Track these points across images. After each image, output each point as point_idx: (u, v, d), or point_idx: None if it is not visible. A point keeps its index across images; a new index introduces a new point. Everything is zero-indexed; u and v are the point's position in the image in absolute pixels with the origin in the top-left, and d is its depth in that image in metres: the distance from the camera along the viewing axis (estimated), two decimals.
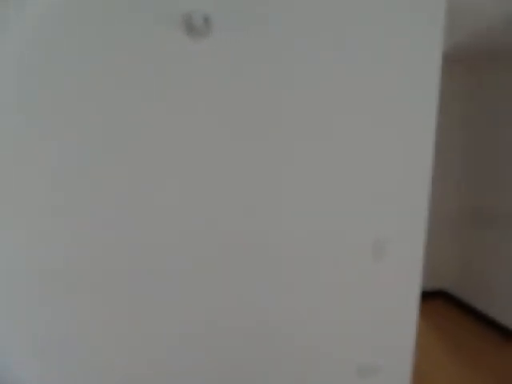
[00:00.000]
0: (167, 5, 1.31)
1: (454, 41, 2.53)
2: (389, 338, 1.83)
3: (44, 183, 1.32)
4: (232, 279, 1.56)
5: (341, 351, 1.78)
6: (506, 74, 2.96)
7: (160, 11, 1.31)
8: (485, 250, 3.21)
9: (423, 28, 1.56)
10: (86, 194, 1.35)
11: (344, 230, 1.65)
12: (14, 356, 1.39)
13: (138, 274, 1.45)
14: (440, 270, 3.61)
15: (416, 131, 1.65)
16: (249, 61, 1.42)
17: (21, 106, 1.26)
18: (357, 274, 1.71)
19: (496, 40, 2.56)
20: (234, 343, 1.62)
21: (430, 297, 3.66)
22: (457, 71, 3.31)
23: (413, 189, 1.70)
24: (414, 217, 1.72)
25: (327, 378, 1.79)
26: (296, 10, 1.43)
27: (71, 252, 1.38)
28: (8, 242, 1.32)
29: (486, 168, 3.20)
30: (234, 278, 1.56)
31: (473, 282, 3.35)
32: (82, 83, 1.29)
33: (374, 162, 1.63)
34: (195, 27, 1.33)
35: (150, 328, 1.51)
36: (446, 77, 3.05)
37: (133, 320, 1.48)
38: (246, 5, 1.37)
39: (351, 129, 1.58)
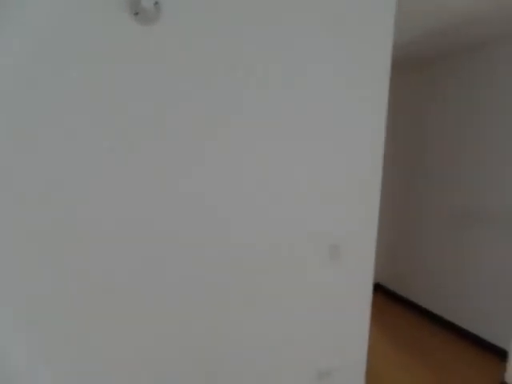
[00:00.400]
0: None
1: None
2: (345, 337, 1.86)
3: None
4: (188, 288, 1.44)
5: (300, 353, 1.76)
6: (430, 76, 3.25)
7: None
8: (414, 245, 3.47)
9: (373, 34, 1.62)
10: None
11: (302, 233, 1.64)
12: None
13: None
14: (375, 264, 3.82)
15: (369, 138, 1.71)
16: (199, 47, 1.33)
17: None
18: (315, 276, 1.70)
19: (419, 45, 2.78)
20: (197, 343, 1.51)
21: None
22: None
23: (367, 193, 1.75)
24: (367, 219, 1.78)
25: (287, 380, 1.75)
26: None
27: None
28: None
29: (413, 167, 3.47)
30: (190, 287, 1.45)
31: (404, 274, 3.60)
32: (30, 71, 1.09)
33: (331, 170, 1.65)
34: (145, 11, 1.19)
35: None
36: None
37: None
38: None
39: (308, 135, 1.58)
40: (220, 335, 1.55)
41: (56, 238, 1.22)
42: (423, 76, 3.30)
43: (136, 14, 1.22)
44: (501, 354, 2.51)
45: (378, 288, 3.97)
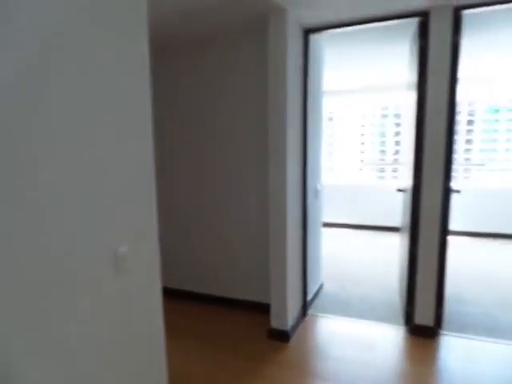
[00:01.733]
0: None
1: None
2: (143, 353, 1.61)
3: None
4: None
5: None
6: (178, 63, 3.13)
7: None
8: (175, 240, 3.44)
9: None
10: None
11: (82, 248, 1.27)
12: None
13: None
14: None
15: (138, 143, 1.47)
16: None
17: None
18: (102, 292, 1.39)
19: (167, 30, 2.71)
20: None
21: None
22: None
23: (144, 202, 1.56)
24: (147, 227, 1.61)
25: None
26: None
27: None
28: None
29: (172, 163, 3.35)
30: None
31: (173, 268, 3.49)
32: None
33: (104, 180, 1.34)
34: None
35: None
36: None
37: None
38: None
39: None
40: None
41: None
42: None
43: None
44: (268, 309, 2.82)
45: None
